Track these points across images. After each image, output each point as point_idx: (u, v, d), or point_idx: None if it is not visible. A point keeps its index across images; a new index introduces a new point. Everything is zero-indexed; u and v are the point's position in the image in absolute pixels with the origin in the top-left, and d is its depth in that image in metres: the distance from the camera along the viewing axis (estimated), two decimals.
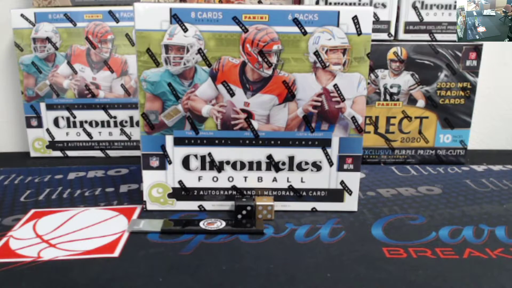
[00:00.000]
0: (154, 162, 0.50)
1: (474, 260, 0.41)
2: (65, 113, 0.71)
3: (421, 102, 0.66)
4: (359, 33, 0.48)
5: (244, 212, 0.48)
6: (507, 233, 0.46)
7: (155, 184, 0.51)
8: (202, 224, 0.46)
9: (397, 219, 0.49)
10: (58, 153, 0.72)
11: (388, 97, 0.66)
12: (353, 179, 0.51)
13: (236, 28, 0.47)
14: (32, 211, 0.51)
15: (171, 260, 0.40)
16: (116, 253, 0.42)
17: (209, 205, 0.52)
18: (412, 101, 0.66)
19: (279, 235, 0.45)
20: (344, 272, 0.39)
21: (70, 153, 0.72)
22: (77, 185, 0.58)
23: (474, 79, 0.66)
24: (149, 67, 0.48)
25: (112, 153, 0.73)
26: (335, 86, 0.49)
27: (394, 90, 0.66)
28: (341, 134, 0.50)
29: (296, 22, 0.47)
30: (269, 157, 0.50)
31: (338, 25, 0.47)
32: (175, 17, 0.47)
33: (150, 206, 0.52)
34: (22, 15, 0.67)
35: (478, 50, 0.64)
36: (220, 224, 0.46)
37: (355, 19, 0.47)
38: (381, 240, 0.44)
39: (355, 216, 0.50)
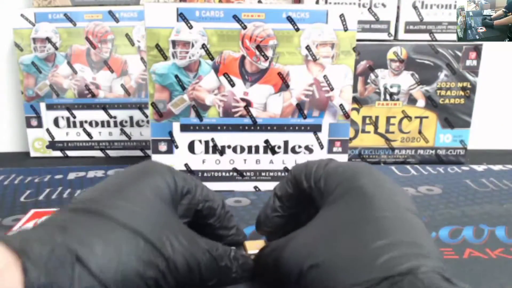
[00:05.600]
0: (163, 146, 0.54)
1: (474, 260, 0.41)
2: (65, 113, 0.71)
3: (421, 102, 0.66)
4: (345, 29, 0.53)
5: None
6: (507, 233, 0.46)
7: None
8: None
9: None
10: (58, 153, 0.72)
11: (388, 97, 0.66)
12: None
13: (236, 25, 0.52)
14: (32, 211, 0.50)
15: None
16: None
17: (211, 186, 0.55)
18: (412, 101, 0.66)
19: None
20: None
21: (70, 153, 0.72)
22: (77, 185, 0.58)
23: (474, 79, 0.66)
24: (158, 60, 0.52)
25: (112, 153, 0.73)
26: (325, 77, 0.54)
27: (394, 90, 0.66)
28: (330, 120, 0.55)
29: (290, 19, 0.52)
30: (266, 141, 0.55)
31: (327, 22, 0.52)
32: (182, 16, 0.51)
33: None
34: (22, 15, 0.67)
35: (478, 50, 0.64)
36: None
37: (342, 17, 0.52)
38: None
39: None
